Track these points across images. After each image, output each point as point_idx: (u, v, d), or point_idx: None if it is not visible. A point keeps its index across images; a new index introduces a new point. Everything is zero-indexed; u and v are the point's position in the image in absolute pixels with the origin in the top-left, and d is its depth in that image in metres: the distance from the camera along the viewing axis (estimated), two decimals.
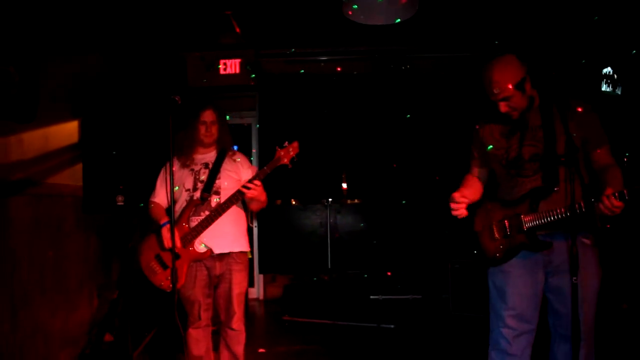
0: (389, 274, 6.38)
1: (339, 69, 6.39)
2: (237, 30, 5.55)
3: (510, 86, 2.53)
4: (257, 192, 3.22)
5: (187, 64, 5.64)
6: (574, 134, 2.50)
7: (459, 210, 2.70)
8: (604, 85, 5.48)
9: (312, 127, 6.38)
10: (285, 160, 3.23)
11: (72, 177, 4.27)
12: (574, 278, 2.26)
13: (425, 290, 6.24)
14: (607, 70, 5.50)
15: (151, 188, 3.56)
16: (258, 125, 6.65)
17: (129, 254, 4.44)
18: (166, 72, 4.92)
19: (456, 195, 2.71)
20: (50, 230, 4.02)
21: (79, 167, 4.18)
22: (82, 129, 4.33)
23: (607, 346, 4.29)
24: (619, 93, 5.50)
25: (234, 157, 3.52)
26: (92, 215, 4.42)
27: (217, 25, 5.58)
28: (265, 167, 3.27)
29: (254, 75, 6.07)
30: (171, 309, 2.92)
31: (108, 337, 4.34)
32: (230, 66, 6.33)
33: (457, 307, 5.44)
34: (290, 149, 3.23)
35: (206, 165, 3.44)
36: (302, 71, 6.39)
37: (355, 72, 6.51)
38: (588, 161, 2.65)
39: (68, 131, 4.33)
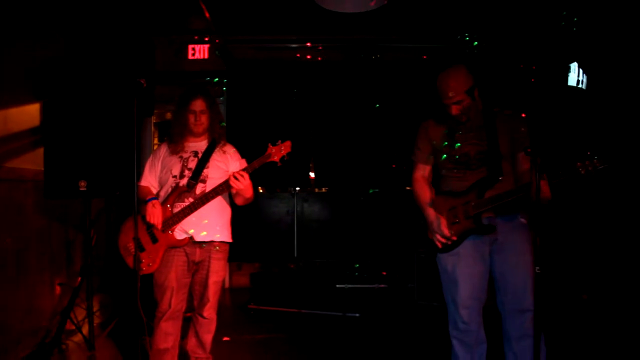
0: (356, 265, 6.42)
1: (309, 56, 6.36)
2: (207, 15, 5.48)
3: (462, 91, 2.86)
4: (243, 185, 3.18)
5: (155, 48, 5.54)
6: (506, 139, 2.91)
7: (446, 242, 2.93)
8: (570, 79, 5.57)
9: (280, 115, 6.34)
10: (276, 158, 3.20)
11: (33, 161, 4.15)
12: (537, 268, 2.41)
13: (391, 280, 6.28)
14: (574, 64, 5.58)
15: (116, 173, 3.50)
16: (225, 112, 6.56)
17: (92, 240, 4.37)
18: (133, 56, 4.82)
19: (446, 232, 2.91)
20: (9, 216, 3.91)
21: (40, 151, 4.07)
22: (44, 112, 4.22)
23: (568, 336, 4.40)
24: (584, 87, 5.60)
25: (224, 149, 3.47)
26: (54, 201, 4.32)
27: (187, 10, 5.50)
28: (254, 162, 3.24)
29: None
30: (134, 295, 2.87)
31: (69, 326, 4.26)
32: (199, 51, 6.27)
33: (422, 296, 5.49)
34: (282, 148, 3.20)
35: (195, 153, 3.39)
36: (269, 53, 6.33)
37: (325, 60, 6.48)
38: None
39: (29, 114, 4.21)
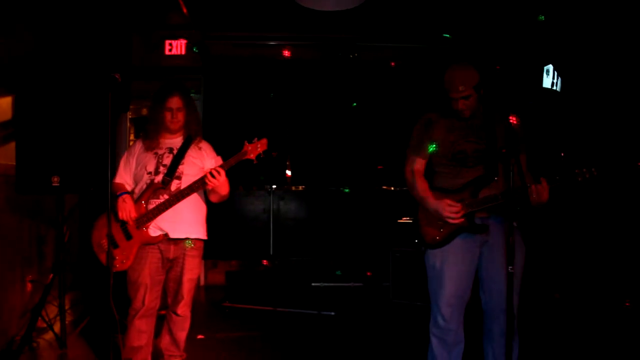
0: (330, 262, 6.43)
1: (287, 54, 6.34)
2: (184, 10, 5.44)
3: (472, 86, 2.83)
4: (219, 182, 3.15)
5: (132, 43, 5.48)
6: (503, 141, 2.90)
7: (459, 215, 2.87)
8: (545, 82, 5.65)
9: (257, 112, 6.32)
10: (252, 155, 3.19)
11: (4, 155, 4.07)
12: (510, 267, 2.51)
13: (367, 278, 6.31)
14: (548, 67, 5.66)
15: (90, 169, 3.45)
16: (202, 109, 6.51)
17: (65, 236, 4.30)
18: (109, 51, 4.76)
19: (452, 208, 2.86)
20: None
21: (12, 145, 3.99)
22: (16, 105, 4.13)
23: (540, 334, 4.46)
24: (559, 90, 5.68)
25: (199, 145, 3.43)
26: (26, 196, 4.23)
27: (164, 5, 5.45)
28: (230, 159, 3.22)
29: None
30: (107, 293, 2.84)
31: (41, 324, 4.19)
32: (176, 47, 6.21)
33: (397, 295, 5.52)
34: (259, 145, 3.19)
35: (170, 150, 3.35)
36: (247, 50, 6.31)
37: (303, 58, 6.48)
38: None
39: (0, 107, 4.13)
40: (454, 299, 2.91)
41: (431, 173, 3.11)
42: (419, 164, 3.09)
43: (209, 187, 3.23)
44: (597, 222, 5.35)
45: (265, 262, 6.66)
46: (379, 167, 6.33)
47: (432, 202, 2.93)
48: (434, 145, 3.01)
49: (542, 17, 5.05)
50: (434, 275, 2.99)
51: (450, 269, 2.91)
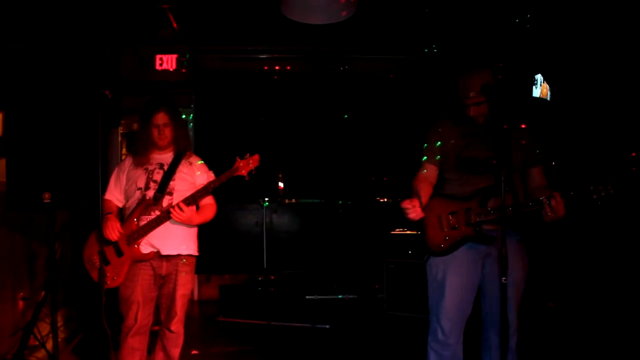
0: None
1: (277, 67, 6.37)
2: (174, 25, 5.45)
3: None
4: (183, 218, 3.14)
5: (122, 58, 5.47)
6: (518, 149, 2.85)
7: (414, 211, 2.78)
8: (535, 91, 5.69)
9: (249, 126, 6.32)
10: (243, 172, 3.17)
11: None
12: (504, 278, 2.43)
13: (361, 290, 6.29)
14: (538, 77, 5.70)
15: (81, 186, 3.45)
16: (193, 123, 6.51)
17: (56, 253, 4.27)
18: (99, 66, 4.74)
19: (405, 203, 2.80)
20: None
21: (2, 162, 3.97)
22: (6, 121, 4.12)
23: (534, 344, 4.45)
24: (549, 99, 5.72)
25: (190, 160, 3.42)
26: (17, 214, 4.21)
27: (154, 20, 5.45)
28: (221, 176, 3.21)
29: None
30: (99, 310, 2.82)
31: (33, 342, 4.15)
32: (166, 61, 6.22)
33: (392, 306, 5.50)
34: (250, 161, 3.17)
35: (161, 165, 3.34)
36: (237, 63, 6.32)
37: (294, 71, 6.50)
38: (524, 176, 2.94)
39: None
40: (454, 312, 2.85)
41: (441, 181, 3.06)
42: (429, 170, 3.05)
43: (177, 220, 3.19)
44: (592, 230, 5.37)
45: (259, 276, 6.63)
46: (372, 178, 6.34)
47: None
48: (444, 152, 2.97)
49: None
50: (435, 286, 2.93)
51: (452, 280, 2.84)
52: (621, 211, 5.03)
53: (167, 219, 3.18)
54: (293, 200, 6.54)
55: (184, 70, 6.25)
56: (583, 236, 5.41)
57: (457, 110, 2.96)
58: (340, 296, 6.29)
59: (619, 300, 5.07)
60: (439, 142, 3.02)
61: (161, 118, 3.29)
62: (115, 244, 3.21)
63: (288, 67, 6.45)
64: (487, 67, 2.92)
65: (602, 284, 5.28)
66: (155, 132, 3.30)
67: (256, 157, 3.19)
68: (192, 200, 3.19)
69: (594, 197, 2.54)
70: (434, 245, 2.89)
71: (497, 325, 2.84)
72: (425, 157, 3.07)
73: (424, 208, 2.83)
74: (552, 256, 5.49)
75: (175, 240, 3.27)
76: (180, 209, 3.12)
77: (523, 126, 2.93)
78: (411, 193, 2.96)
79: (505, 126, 2.83)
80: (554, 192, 2.60)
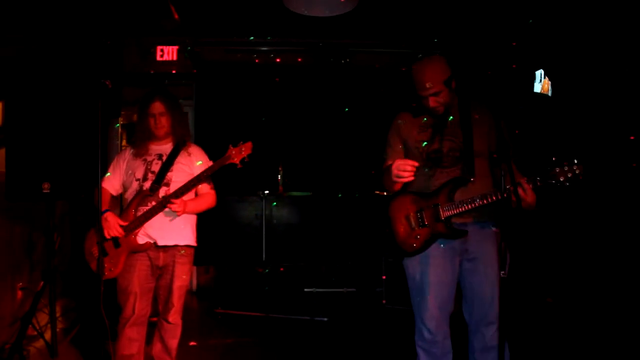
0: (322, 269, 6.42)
1: (278, 59, 6.34)
2: (176, 16, 5.42)
3: (440, 81, 2.71)
4: (178, 209, 3.16)
5: (123, 49, 5.46)
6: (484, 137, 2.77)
7: (408, 174, 2.63)
8: (536, 87, 5.67)
9: (250, 118, 6.31)
10: (236, 160, 3.18)
11: None
12: (502, 272, 2.33)
13: (359, 283, 6.30)
14: (540, 72, 5.68)
15: (81, 176, 3.43)
16: (194, 114, 6.50)
17: (55, 243, 4.27)
18: (100, 56, 4.74)
19: (395, 168, 2.65)
20: None
21: (1, 152, 3.97)
22: (6, 111, 4.11)
23: (533, 339, 4.46)
24: (550, 95, 5.70)
25: (189, 150, 3.42)
26: (16, 203, 4.21)
27: (155, 11, 5.43)
28: (213, 164, 3.23)
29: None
30: (98, 300, 2.82)
31: (31, 332, 4.15)
32: (167, 53, 6.19)
33: (390, 300, 5.52)
34: (243, 149, 3.18)
35: (160, 156, 3.35)
36: (238, 55, 6.30)
37: (295, 64, 6.48)
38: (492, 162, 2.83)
39: None
40: (437, 311, 2.78)
41: None
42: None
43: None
44: (590, 225, 5.36)
45: (258, 268, 6.64)
46: (372, 172, 6.33)
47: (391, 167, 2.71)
48: (407, 147, 2.89)
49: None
50: (414, 286, 2.88)
51: (431, 280, 2.77)
52: (621, 206, 5.04)
53: (163, 209, 3.18)
54: (293, 193, 6.53)
55: (185, 62, 6.24)
56: (582, 231, 5.41)
57: (415, 102, 2.87)
58: (338, 289, 6.30)
59: (619, 295, 5.07)
60: (399, 138, 2.94)
61: (157, 107, 3.31)
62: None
63: (289, 60, 6.43)
64: (440, 55, 2.82)
65: (601, 279, 5.28)
66: (152, 122, 3.32)
67: (249, 144, 3.19)
68: (180, 193, 3.19)
69: (561, 179, 2.46)
70: (406, 246, 2.80)
71: (478, 326, 2.78)
72: (387, 154, 2.97)
73: (390, 211, 2.80)
74: (550, 251, 5.49)
75: (172, 230, 3.27)
76: (172, 203, 3.14)
77: (484, 109, 2.84)
78: (384, 185, 2.90)
79: (476, 116, 2.81)
80: (520, 179, 2.54)
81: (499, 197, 2.53)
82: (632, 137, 4.70)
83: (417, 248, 2.78)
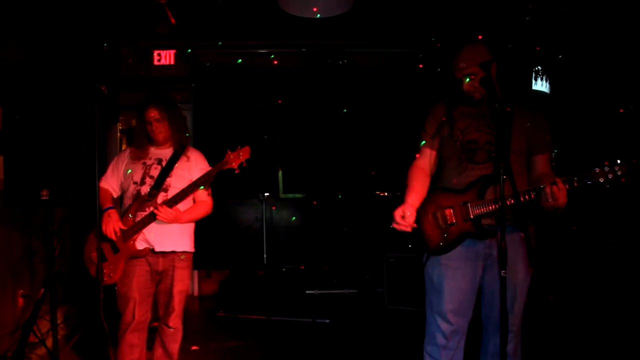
0: (324, 268, 6.40)
1: (275, 62, 6.34)
2: (172, 20, 5.42)
3: (476, 63, 2.60)
4: (167, 218, 3.14)
5: (120, 54, 5.46)
6: (522, 133, 2.62)
7: (403, 228, 2.63)
8: (535, 84, 5.66)
9: (248, 120, 6.30)
10: (234, 164, 3.16)
11: None
12: (503, 271, 2.25)
13: (361, 285, 6.28)
14: (537, 69, 5.67)
15: (78, 181, 3.44)
16: (192, 118, 6.46)
17: (55, 250, 4.26)
18: (97, 62, 4.74)
19: (397, 215, 2.63)
20: None
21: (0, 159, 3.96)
22: (4, 118, 4.10)
23: (535, 336, 4.45)
24: (547, 92, 5.69)
25: (187, 155, 3.41)
26: (15, 210, 4.20)
27: (151, 15, 5.43)
28: (210, 170, 3.21)
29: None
30: (98, 306, 2.81)
31: (33, 339, 4.14)
32: (164, 57, 6.20)
33: (392, 300, 5.50)
34: (241, 154, 3.16)
35: (159, 161, 3.34)
36: (239, 60, 6.30)
37: (292, 66, 6.48)
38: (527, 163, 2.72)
39: None
40: (453, 316, 2.65)
41: (439, 169, 2.84)
42: (426, 156, 2.84)
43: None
44: (594, 222, 5.35)
45: (259, 271, 6.63)
46: (372, 172, 6.32)
47: (406, 197, 2.71)
48: (442, 134, 2.77)
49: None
50: (432, 288, 2.74)
51: (450, 284, 2.65)
52: (622, 202, 5.02)
53: (153, 220, 3.17)
54: (293, 195, 6.52)
55: (182, 66, 6.23)
56: (585, 228, 5.40)
57: (454, 91, 2.73)
58: (340, 291, 6.28)
59: (621, 294, 5.06)
60: (435, 124, 2.81)
61: (152, 114, 3.29)
62: (112, 241, 3.21)
63: (286, 62, 6.43)
64: (483, 43, 2.72)
65: (604, 277, 5.27)
66: (149, 128, 3.32)
67: (247, 149, 3.17)
68: (177, 200, 3.17)
69: (601, 180, 2.30)
70: (432, 244, 2.67)
71: (495, 329, 2.66)
72: (423, 142, 2.85)
73: (419, 207, 2.70)
74: (553, 248, 5.48)
75: (170, 236, 3.26)
76: (160, 211, 3.12)
77: (528, 110, 2.70)
78: (405, 186, 2.81)
79: (508, 109, 2.65)
80: (557, 178, 2.37)
81: (532, 197, 2.42)
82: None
83: (443, 246, 2.65)
